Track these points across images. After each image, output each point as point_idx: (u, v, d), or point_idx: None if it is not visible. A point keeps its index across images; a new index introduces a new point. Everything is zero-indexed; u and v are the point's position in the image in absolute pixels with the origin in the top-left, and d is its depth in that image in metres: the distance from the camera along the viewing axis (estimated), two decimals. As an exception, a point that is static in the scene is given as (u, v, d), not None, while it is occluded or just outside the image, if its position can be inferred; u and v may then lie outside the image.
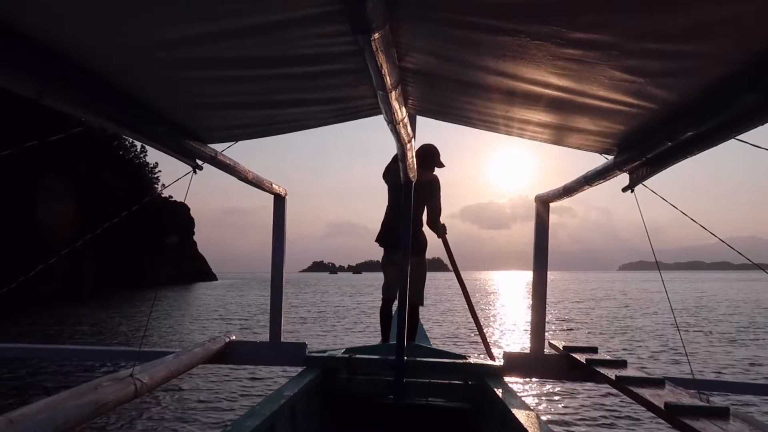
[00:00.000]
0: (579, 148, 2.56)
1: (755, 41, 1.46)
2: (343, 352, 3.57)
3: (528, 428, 2.39)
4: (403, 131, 2.48)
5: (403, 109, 2.29)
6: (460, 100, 2.42)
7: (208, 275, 70.99)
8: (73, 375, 8.08)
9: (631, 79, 1.74)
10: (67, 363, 8.68)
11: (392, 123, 2.34)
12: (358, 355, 3.47)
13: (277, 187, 3.36)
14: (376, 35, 1.51)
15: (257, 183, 3.10)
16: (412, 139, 2.72)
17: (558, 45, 1.64)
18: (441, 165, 4.44)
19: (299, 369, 3.36)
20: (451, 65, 2.06)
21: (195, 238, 71.79)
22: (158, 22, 1.61)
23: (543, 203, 3.34)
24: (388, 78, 1.83)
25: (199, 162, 2.66)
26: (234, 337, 3.42)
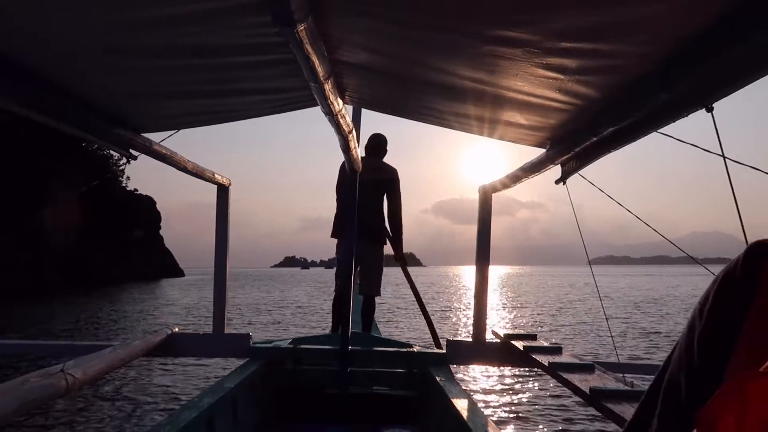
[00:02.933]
0: (515, 142, 2.61)
1: (667, 41, 1.52)
2: (289, 343, 3.57)
3: (463, 414, 2.46)
4: (342, 122, 2.48)
5: (339, 100, 2.29)
6: (397, 93, 2.44)
7: (175, 271, 69.37)
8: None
9: (552, 76, 1.78)
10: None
11: (330, 114, 2.34)
12: (303, 346, 3.48)
13: (219, 177, 3.32)
14: (301, 27, 1.51)
15: (198, 173, 3.05)
16: (353, 131, 2.72)
17: (481, 41, 1.67)
18: (385, 152, 4.51)
19: (244, 361, 3.35)
20: (384, 59, 2.07)
21: (162, 232, 69.88)
22: (86, 7, 1.56)
23: (486, 193, 3.40)
24: (318, 69, 1.83)
25: (134, 152, 2.61)
26: (177, 330, 3.38)
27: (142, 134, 2.56)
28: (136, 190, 66.53)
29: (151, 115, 2.43)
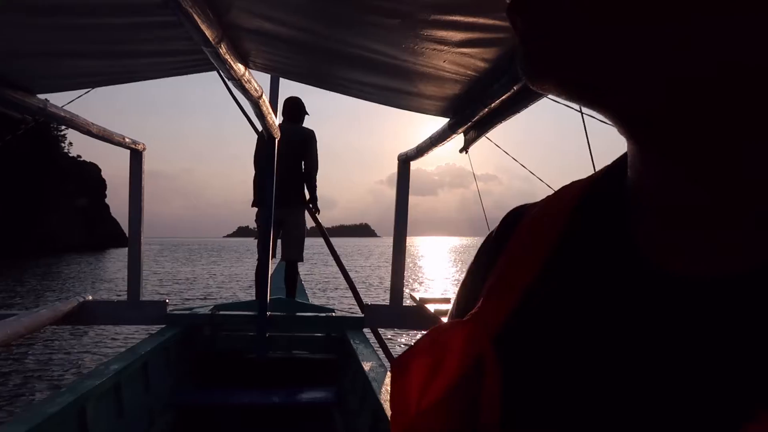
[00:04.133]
0: (420, 112, 2.65)
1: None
2: (209, 309, 3.57)
3: (371, 374, 2.56)
4: (249, 87, 2.46)
5: (240, 65, 2.26)
6: (300, 61, 2.42)
7: (121, 240, 67.29)
8: None
9: (435, 48, 1.82)
10: None
11: (232, 79, 2.31)
12: (222, 312, 3.49)
13: (131, 142, 3.23)
14: (179, -11, 1.48)
15: (105, 137, 2.96)
16: (263, 95, 2.69)
17: (364, 11, 1.68)
18: (307, 113, 4.50)
19: (160, 328, 3.34)
20: (277, 26, 2.05)
21: (107, 201, 67.08)
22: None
23: (404, 162, 3.45)
24: (207, 33, 1.80)
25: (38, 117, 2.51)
26: (90, 297, 3.32)
27: (38, 95, 2.47)
28: (79, 156, 63.86)
29: (41, 75, 2.34)
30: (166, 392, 3.00)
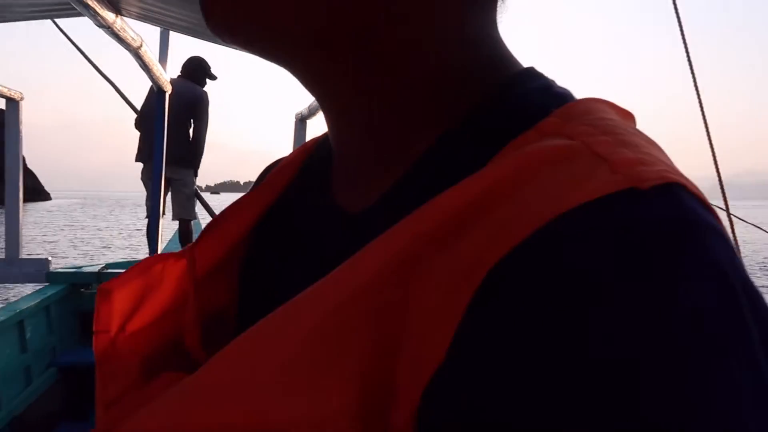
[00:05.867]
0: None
1: None
2: (100, 268, 3.47)
3: None
4: (123, 35, 2.35)
5: (109, 13, 2.16)
6: (178, 12, 2.34)
7: (39, 194, 62.11)
8: None
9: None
10: None
11: (102, 27, 2.21)
12: (111, 270, 3.40)
13: (6, 90, 3.02)
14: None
15: None
16: (143, 45, 2.58)
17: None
18: (213, 77, 4.36)
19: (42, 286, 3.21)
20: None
21: (23, 151, 61.00)
22: None
23: (301, 121, 3.44)
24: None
25: None
26: (-40, 256, 3.14)
27: None
28: (-15, 101, 58.40)
29: None
30: (47, 352, 2.92)
